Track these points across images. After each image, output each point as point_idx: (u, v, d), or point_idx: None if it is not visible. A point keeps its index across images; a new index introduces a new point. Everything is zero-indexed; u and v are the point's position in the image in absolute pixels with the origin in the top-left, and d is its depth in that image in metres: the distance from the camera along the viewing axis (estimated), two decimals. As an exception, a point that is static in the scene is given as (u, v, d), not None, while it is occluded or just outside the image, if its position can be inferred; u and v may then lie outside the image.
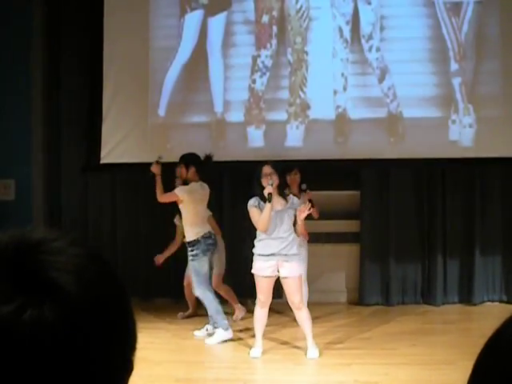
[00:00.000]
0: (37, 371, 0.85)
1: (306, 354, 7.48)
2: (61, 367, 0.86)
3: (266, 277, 7.43)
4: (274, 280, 7.50)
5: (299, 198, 7.87)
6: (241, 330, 8.53)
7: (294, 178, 8.58)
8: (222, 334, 8.05)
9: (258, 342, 7.59)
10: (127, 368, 0.95)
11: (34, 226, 0.96)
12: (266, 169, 7.48)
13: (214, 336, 8.09)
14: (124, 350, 0.95)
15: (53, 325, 0.85)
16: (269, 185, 7.34)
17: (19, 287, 0.86)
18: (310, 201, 7.82)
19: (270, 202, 7.28)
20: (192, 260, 8.20)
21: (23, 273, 0.88)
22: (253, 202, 7.52)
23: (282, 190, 7.50)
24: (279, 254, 7.37)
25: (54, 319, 0.86)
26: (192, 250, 8.18)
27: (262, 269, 7.43)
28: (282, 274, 7.44)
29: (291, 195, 7.56)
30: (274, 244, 7.39)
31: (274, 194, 7.37)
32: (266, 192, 7.33)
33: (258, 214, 7.41)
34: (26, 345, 0.84)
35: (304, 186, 8.48)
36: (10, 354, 0.84)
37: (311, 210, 7.43)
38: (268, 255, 7.39)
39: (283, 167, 7.71)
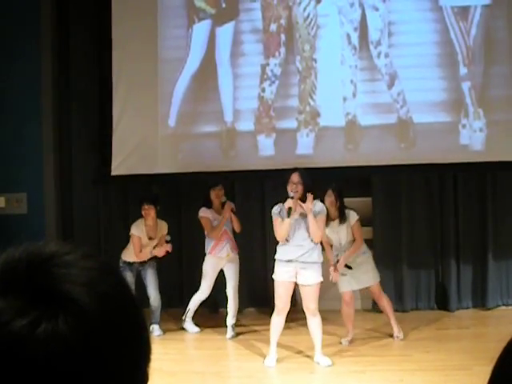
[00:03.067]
0: None
1: (318, 363, 7.48)
2: (76, 380, 0.86)
3: (283, 281, 7.43)
4: (292, 286, 7.50)
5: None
6: (255, 339, 8.52)
7: (217, 193, 8.85)
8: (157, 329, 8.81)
9: (273, 351, 7.57)
10: (142, 379, 0.96)
11: (47, 240, 0.96)
12: (294, 177, 7.45)
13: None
14: (139, 362, 0.95)
15: (67, 338, 0.86)
16: (290, 197, 7.33)
17: (32, 301, 0.86)
18: (232, 211, 8.75)
19: (289, 216, 7.31)
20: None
21: (36, 286, 0.88)
22: (275, 210, 7.55)
23: (303, 197, 7.44)
24: (297, 260, 7.39)
25: (69, 332, 0.86)
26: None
27: (280, 273, 7.46)
28: (299, 281, 7.45)
29: (316, 201, 7.50)
30: (293, 250, 7.40)
31: (295, 204, 7.37)
32: (286, 205, 7.34)
33: (279, 223, 7.42)
34: (40, 359, 0.84)
35: (223, 199, 8.89)
36: (24, 369, 0.84)
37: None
38: (286, 261, 7.41)
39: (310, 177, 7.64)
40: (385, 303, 8.32)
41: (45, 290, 0.88)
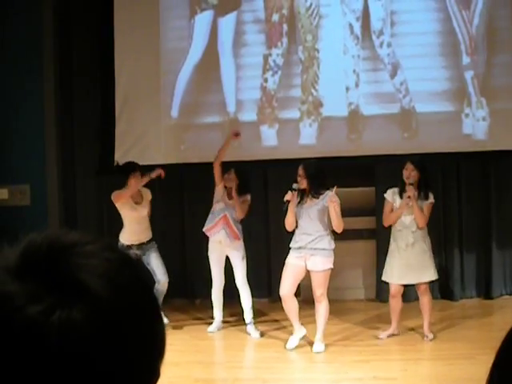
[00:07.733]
0: (63, 373, 0.85)
1: (312, 347, 7.58)
2: (87, 370, 0.86)
3: (291, 263, 7.66)
4: (300, 272, 7.66)
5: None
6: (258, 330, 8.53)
7: (228, 178, 8.59)
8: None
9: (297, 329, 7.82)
10: (154, 374, 0.96)
11: (66, 229, 0.97)
12: (299, 170, 7.68)
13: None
14: (152, 356, 0.95)
15: (81, 327, 0.86)
16: (290, 190, 7.49)
17: (49, 288, 0.87)
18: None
19: (285, 210, 7.61)
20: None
21: (54, 273, 0.88)
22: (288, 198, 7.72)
23: (316, 189, 7.59)
24: (306, 247, 7.60)
25: (83, 322, 0.86)
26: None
27: (291, 257, 7.71)
28: (308, 267, 7.66)
29: (328, 191, 7.61)
30: (302, 238, 7.62)
31: (294, 196, 7.55)
32: (285, 198, 7.57)
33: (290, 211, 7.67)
34: (53, 346, 0.85)
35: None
36: (37, 355, 0.84)
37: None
38: (297, 248, 7.66)
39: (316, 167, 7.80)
40: (424, 302, 7.92)
41: (62, 277, 0.88)
